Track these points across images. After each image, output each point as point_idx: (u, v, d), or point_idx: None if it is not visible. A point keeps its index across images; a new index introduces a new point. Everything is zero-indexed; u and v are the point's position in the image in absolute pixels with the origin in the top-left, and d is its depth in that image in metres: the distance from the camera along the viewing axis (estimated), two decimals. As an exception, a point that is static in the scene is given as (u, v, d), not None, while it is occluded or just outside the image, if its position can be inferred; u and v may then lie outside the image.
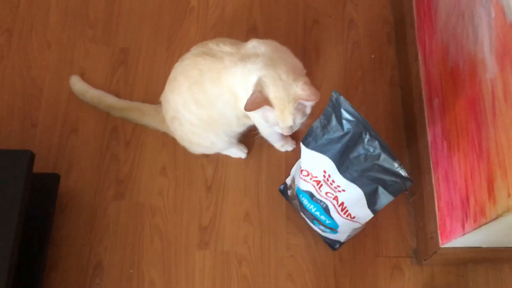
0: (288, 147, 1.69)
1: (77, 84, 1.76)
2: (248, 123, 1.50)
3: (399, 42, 1.87)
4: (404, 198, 1.68)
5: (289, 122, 1.29)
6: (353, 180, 1.24)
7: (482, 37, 1.26)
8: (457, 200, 1.38)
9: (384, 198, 1.23)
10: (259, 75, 1.29)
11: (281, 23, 1.92)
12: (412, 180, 1.19)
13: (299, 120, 1.31)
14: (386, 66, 1.86)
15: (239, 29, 1.90)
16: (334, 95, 1.20)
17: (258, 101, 1.27)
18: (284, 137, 1.63)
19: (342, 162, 1.24)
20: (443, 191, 1.47)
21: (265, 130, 1.51)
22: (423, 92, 1.63)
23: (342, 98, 1.19)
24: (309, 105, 1.31)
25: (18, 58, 1.84)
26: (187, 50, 1.83)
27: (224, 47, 1.38)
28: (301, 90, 1.27)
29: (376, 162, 1.19)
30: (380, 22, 1.93)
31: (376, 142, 1.18)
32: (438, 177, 1.51)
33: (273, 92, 1.27)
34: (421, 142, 1.63)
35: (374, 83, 1.83)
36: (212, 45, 1.40)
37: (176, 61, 1.81)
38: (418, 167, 1.63)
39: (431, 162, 1.55)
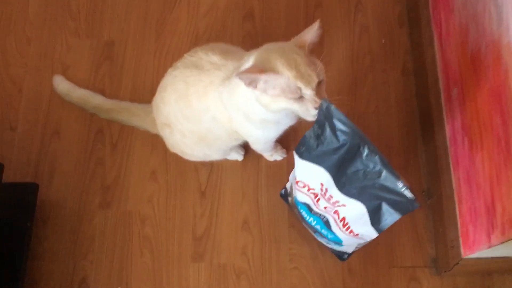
0: (278, 156, 1.55)
1: (62, 84, 1.63)
2: (241, 138, 1.35)
3: (412, 25, 1.70)
4: (421, 200, 1.50)
5: (314, 76, 1.03)
6: (352, 196, 1.08)
7: (507, 18, 1.09)
8: (481, 206, 1.21)
9: (389, 215, 1.08)
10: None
11: (281, 8, 1.75)
12: (419, 203, 1.04)
13: (321, 75, 1.06)
14: (398, 52, 1.70)
15: (235, 16, 1.75)
16: (324, 104, 1.03)
17: (257, 69, 1.04)
18: (274, 146, 1.50)
19: (340, 177, 1.09)
20: (465, 195, 1.30)
21: (257, 142, 1.37)
22: (440, 81, 1.47)
23: (332, 108, 1.03)
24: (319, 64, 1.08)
25: (-5, 55, 1.71)
26: (178, 41, 1.72)
27: (213, 57, 1.24)
28: (302, 36, 1.08)
29: (377, 180, 1.03)
30: (391, 2, 1.75)
31: (376, 157, 1.03)
32: (458, 178, 1.34)
33: (274, 58, 1.04)
34: (438, 138, 1.46)
35: (385, 71, 1.67)
36: (202, 54, 1.26)
37: (166, 54, 1.72)
38: (436, 166, 1.46)
39: (450, 161, 1.39)
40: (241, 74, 1.04)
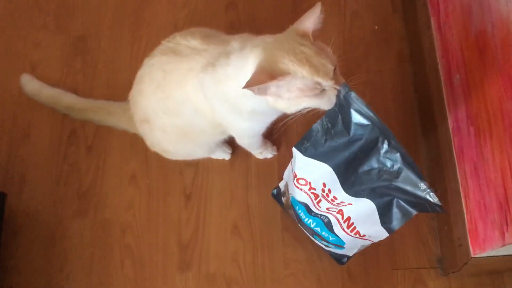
0: (268, 153, 1.45)
1: (30, 84, 1.53)
2: (226, 132, 1.24)
3: (407, 8, 1.62)
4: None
5: (329, 65, 0.94)
6: (360, 196, 0.97)
7: (519, -9, 0.98)
8: (493, 200, 1.11)
9: (403, 213, 0.96)
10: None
11: (266, -6, 1.64)
12: (444, 209, 0.91)
13: (334, 60, 0.97)
14: (392, 38, 1.61)
15: (217, 5, 1.65)
16: (343, 90, 0.92)
17: (267, 75, 0.91)
18: (263, 142, 1.39)
19: (348, 177, 0.97)
20: (473, 188, 1.20)
21: (243, 136, 1.27)
22: (440, 67, 1.39)
23: (352, 95, 0.91)
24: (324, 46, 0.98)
25: (-43, 54, 1.59)
26: (156, 34, 1.61)
27: (192, 42, 1.13)
28: (302, 23, 0.96)
29: (393, 182, 0.92)
30: (383, -15, 1.66)
31: (397, 155, 0.91)
32: (464, 171, 1.24)
33: (281, 56, 0.93)
34: (440, 129, 1.36)
35: (379, 59, 1.58)
36: (181, 39, 1.15)
37: (144, 48, 1.59)
38: (439, 159, 1.37)
39: (454, 153, 1.29)
40: (249, 85, 0.91)
